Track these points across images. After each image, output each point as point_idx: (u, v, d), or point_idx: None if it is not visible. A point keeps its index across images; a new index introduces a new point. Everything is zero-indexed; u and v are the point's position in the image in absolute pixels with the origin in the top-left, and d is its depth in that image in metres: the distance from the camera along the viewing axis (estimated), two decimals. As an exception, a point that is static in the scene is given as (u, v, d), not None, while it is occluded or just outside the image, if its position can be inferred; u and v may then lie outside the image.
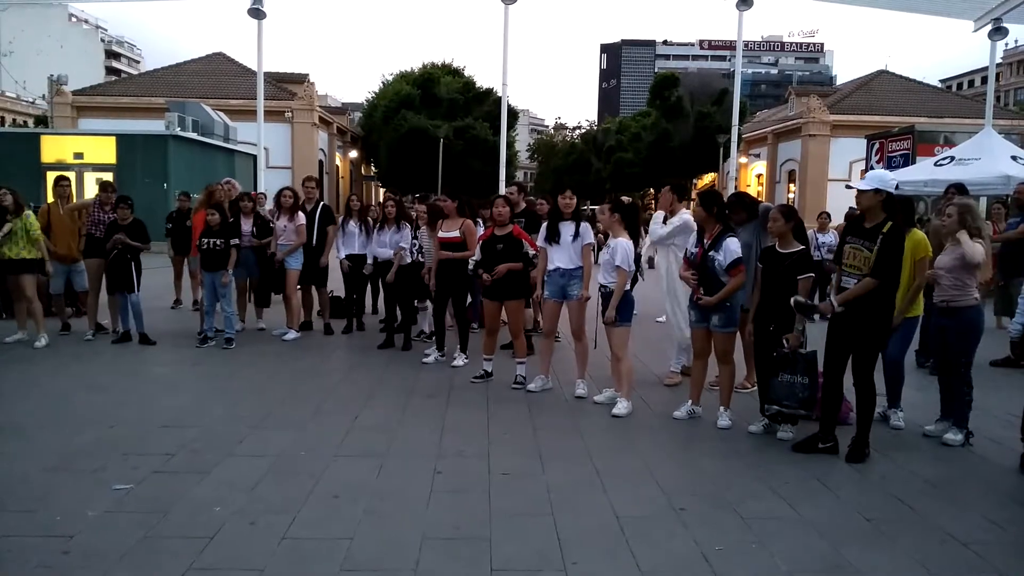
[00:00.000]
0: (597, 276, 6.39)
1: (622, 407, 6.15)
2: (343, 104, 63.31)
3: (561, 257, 6.66)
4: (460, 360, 7.76)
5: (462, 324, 8.00)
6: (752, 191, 47.07)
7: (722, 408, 5.90)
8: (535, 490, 4.57)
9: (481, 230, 8.16)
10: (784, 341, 5.42)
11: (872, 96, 42.03)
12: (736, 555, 3.77)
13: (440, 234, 7.74)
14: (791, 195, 41.62)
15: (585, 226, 6.67)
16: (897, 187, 5.29)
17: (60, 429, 5.54)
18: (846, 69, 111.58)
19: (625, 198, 6.94)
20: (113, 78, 68.55)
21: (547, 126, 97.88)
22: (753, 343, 5.92)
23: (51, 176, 15.82)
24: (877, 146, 20.76)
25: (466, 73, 50.43)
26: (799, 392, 5.37)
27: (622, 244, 6.16)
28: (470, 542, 3.84)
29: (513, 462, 5.03)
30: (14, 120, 65.66)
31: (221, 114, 30.94)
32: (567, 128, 71.77)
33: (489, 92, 47.47)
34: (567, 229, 6.66)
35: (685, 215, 7.16)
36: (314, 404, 6.27)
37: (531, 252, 7.22)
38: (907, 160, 18.63)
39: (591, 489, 4.59)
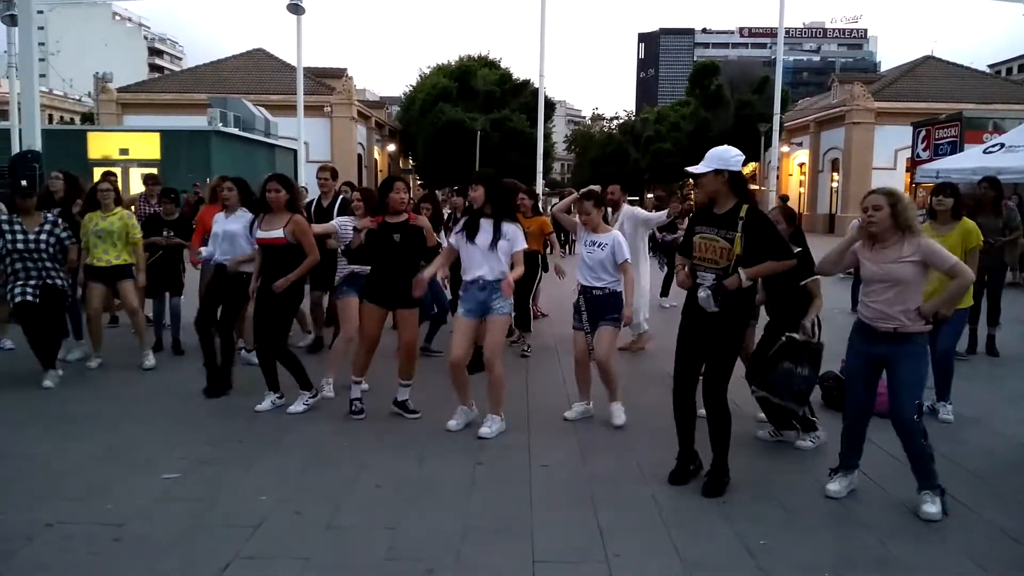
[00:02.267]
0: (580, 277, 5.65)
1: (619, 415, 5.61)
2: (381, 98, 63.68)
3: (481, 265, 5.30)
4: (300, 404, 5.87)
5: (286, 359, 5.92)
6: (794, 180, 46.36)
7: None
8: (576, 482, 4.58)
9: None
10: (801, 328, 4.96)
11: (918, 82, 41.00)
12: (781, 548, 3.72)
13: (259, 234, 5.83)
14: (834, 184, 40.89)
15: (514, 229, 5.35)
16: (746, 162, 4.76)
17: (108, 419, 5.67)
18: (891, 55, 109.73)
19: (595, 188, 6.29)
20: (156, 75, 69.82)
21: (584, 117, 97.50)
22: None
23: (98, 172, 16.11)
24: (924, 133, 20.32)
25: (502, 65, 50.34)
26: (797, 384, 4.91)
27: (619, 238, 5.62)
28: (511, 533, 3.85)
29: (553, 454, 5.03)
30: (61, 117, 67.22)
31: (262, 109, 31.31)
32: (604, 119, 71.32)
33: (526, 84, 47.33)
34: (486, 229, 5.34)
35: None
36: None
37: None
38: (955, 148, 18.21)
39: (632, 482, 4.57)
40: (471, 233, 5.31)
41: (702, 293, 4.30)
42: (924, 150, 20.09)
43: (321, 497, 4.26)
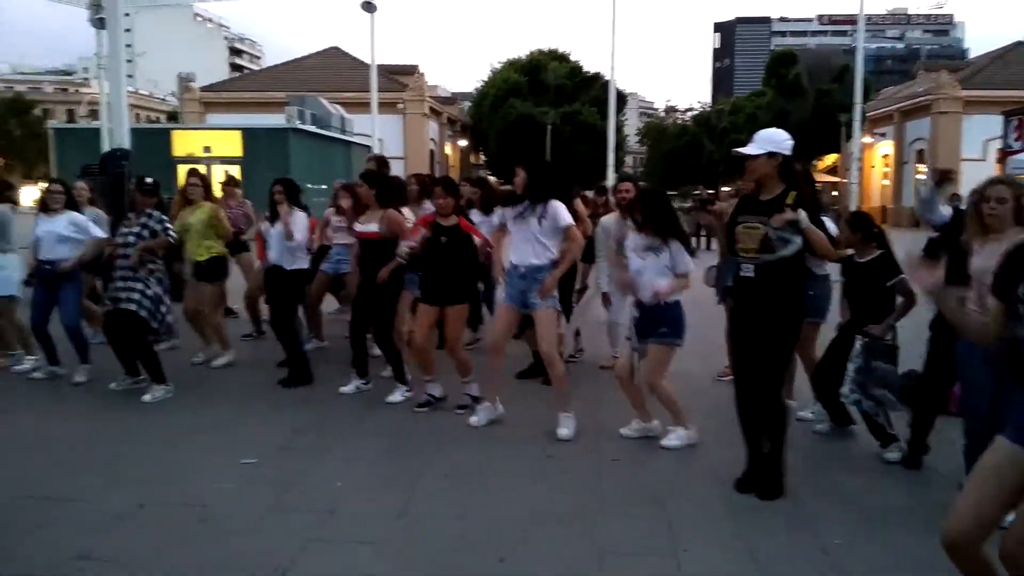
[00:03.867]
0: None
1: (674, 438, 5.05)
2: (452, 94, 64.15)
3: (522, 248, 5.18)
4: (399, 395, 6.00)
5: (388, 350, 6.17)
6: (878, 172, 44.93)
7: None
8: (645, 477, 4.57)
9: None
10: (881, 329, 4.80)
11: (1008, 70, 39.07)
12: (856, 549, 3.65)
13: (357, 227, 6.15)
14: (920, 176, 39.47)
15: (553, 208, 5.11)
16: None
17: (187, 406, 5.88)
18: (979, 41, 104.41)
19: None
20: (236, 74, 71.97)
21: (657, 109, 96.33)
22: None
23: (181, 168, 16.58)
24: (1015, 123, 19.41)
25: (572, 58, 50.21)
26: (897, 380, 4.79)
27: (677, 243, 5.01)
28: (579, 523, 3.88)
29: (623, 450, 5.02)
30: (147, 116, 69.87)
31: (338, 107, 31.91)
32: (678, 111, 70.35)
33: (596, 77, 47.10)
34: (524, 212, 5.18)
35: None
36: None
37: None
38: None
39: (703, 479, 4.54)
40: (512, 217, 5.26)
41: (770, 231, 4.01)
42: (1016, 140, 19.20)
43: (393, 485, 4.36)
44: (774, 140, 4.16)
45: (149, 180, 6.33)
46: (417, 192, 7.21)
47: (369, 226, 5.99)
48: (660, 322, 4.95)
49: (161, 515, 3.95)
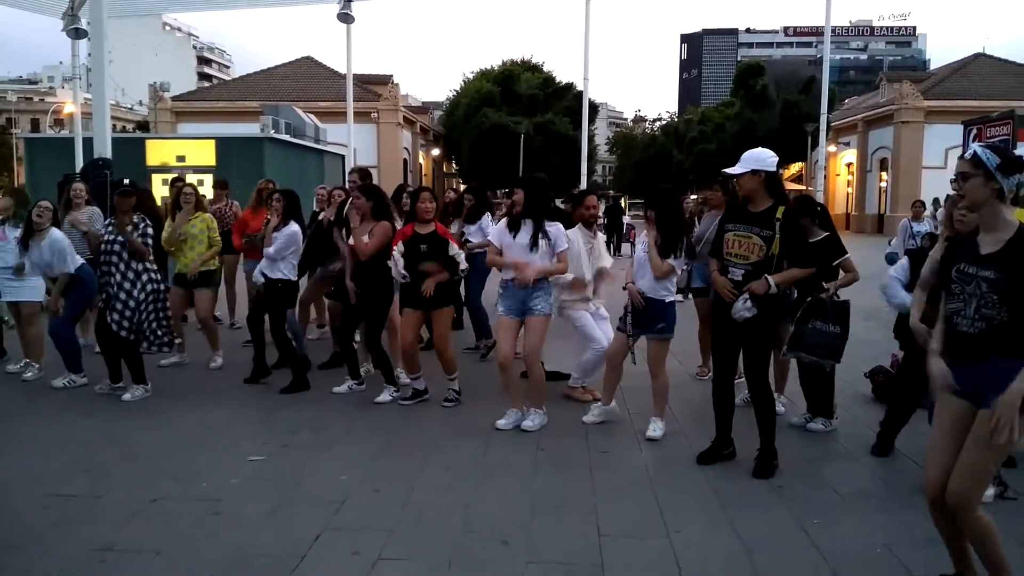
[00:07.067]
0: (634, 282, 5.43)
1: (657, 428, 5.39)
2: (424, 103, 64.30)
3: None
4: (387, 395, 6.24)
5: (377, 354, 6.38)
6: (842, 180, 45.87)
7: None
8: (634, 466, 4.84)
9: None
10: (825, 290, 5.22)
11: (968, 80, 40.23)
12: (834, 528, 3.93)
13: (352, 241, 6.32)
14: (883, 184, 40.36)
15: (555, 229, 5.48)
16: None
17: (193, 408, 6.07)
18: (940, 53, 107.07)
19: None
20: (206, 83, 71.55)
21: (626, 119, 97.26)
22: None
23: (156, 178, 16.45)
24: (974, 132, 20.00)
25: (545, 68, 50.62)
26: (832, 341, 5.12)
27: (649, 241, 5.40)
28: (577, 510, 4.12)
29: (610, 442, 5.29)
30: (115, 125, 68.92)
31: (312, 116, 31.95)
32: (646, 120, 71.18)
33: (569, 87, 47.57)
34: (526, 230, 5.51)
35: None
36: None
37: (458, 258, 6.02)
38: (1007, 146, 17.98)
39: (688, 466, 4.81)
40: (513, 230, 5.52)
41: (737, 305, 4.48)
42: (975, 149, 19.83)
43: (396, 478, 4.57)
44: (758, 159, 4.57)
45: (126, 181, 6.52)
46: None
47: (362, 238, 6.17)
48: (659, 319, 5.32)
49: (176, 510, 4.11)
